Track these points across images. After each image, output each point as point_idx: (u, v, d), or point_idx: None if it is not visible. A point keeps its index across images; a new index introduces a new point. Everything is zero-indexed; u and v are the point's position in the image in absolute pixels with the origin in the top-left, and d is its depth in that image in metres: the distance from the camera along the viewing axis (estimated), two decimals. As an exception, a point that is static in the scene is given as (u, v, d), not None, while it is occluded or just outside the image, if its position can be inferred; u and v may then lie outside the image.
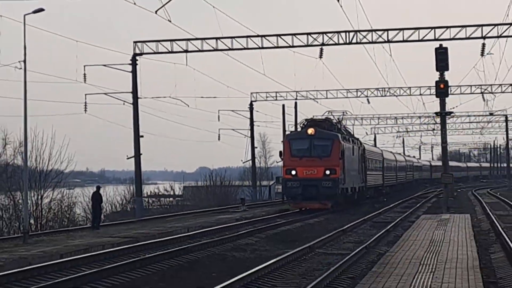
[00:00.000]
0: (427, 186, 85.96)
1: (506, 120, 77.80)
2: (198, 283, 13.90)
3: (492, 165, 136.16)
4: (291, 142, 35.76)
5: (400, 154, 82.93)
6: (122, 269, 14.53)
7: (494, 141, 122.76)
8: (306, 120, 39.68)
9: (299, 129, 41.83)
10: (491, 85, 51.90)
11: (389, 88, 54.78)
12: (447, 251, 17.37)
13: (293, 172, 34.22)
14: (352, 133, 49.23)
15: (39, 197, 35.34)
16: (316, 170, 33.81)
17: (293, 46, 34.40)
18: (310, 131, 34.78)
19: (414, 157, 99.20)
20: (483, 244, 21.47)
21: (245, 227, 26.01)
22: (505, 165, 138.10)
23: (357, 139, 46.61)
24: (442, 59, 31.32)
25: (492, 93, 54.29)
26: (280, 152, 36.37)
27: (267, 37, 33.90)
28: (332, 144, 34.71)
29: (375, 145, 76.89)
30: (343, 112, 45.67)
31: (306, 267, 16.00)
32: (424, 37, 33.23)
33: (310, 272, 15.42)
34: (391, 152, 73.64)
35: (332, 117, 43.22)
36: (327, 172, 33.69)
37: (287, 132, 50.37)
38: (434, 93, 35.99)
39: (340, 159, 34.76)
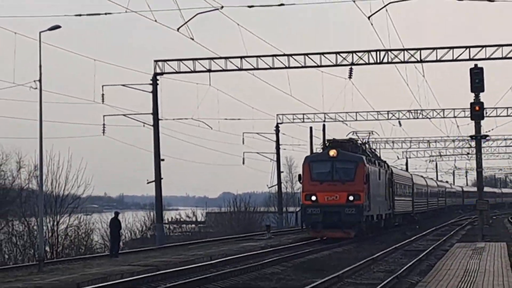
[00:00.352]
0: (460, 212, 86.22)
1: (545, 144, 77.41)
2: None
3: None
4: (311, 164, 33.95)
5: (431, 178, 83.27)
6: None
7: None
8: (328, 141, 38.87)
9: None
10: (528, 107, 51.89)
11: (422, 110, 55.14)
12: (483, 281, 17.20)
13: (313, 198, 32.76)
14: (378, 155, 48.68)
15: (55, 223, 35.67)
16: (338, 196, 32.36)
17: (321, 66, 34.75)
18: (332, 152, 33.18)
19: (446, 182, 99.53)
20: None
21: (271, 256, 26.20)
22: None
23: (384, 162, 45.44)
24: (477, 79, 31.33)
25: (529, 115, 54.37)
26: (299, 175, 34.69)
27: (294, 56, 34.29)
28: (356, 167, 33.20)
29: (406, 170, 77.10)
30: (369, 133, 43.46)
31: None
32: (458, 56, 33.32)
33: None
34: (421, 176, 73.24)
35: (357, 138, 41.27)
36: (351, 197, 32.21)
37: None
38: (469, 115, 35.91)
39: (365, 184, 33.42)
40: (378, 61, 34.13)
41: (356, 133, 41.77)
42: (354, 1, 27.78)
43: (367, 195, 33.80)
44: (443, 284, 16.40)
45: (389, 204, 41.92)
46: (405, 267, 22.23)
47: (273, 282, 18.96)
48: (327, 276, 18.59)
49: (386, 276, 20.32)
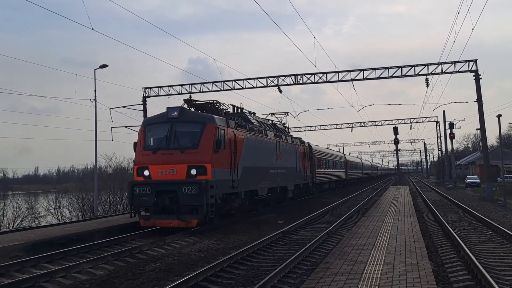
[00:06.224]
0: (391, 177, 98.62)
1: None
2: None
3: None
4: (147, 129, 15.92)
5: (369, 161, 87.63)
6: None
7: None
8: (184, 101, 17.64)
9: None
10: None
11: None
12: (400, 198, 25.32)
13: (146, 173, 15.13)
14: (287, 130, 27.66)
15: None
16: (176, 169, 14.72)
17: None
18: (172, 112, 15.38)
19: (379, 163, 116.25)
20: (414, 196, 30.65)
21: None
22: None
23: (299, 138, 27.78)
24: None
25: None
26: (135, 143, 15.90)
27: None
28: (203, 130, 14.90)
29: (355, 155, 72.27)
30: (286, 113, 27.28)
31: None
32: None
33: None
34: (356, 157, 68.58)
35: (275, 118, 25.83)
36: (192, 171, 14.53)
37: None
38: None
39: (216, 153, 14.78)
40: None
41: (273, 114, 26.65)
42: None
43: (233, 168, 15.91)
44: (387, 199, 24.82)
45: (305, 175, 27.03)
46: (364, 200, 26.59)
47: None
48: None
49: (358, 203, 25.13)
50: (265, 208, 20.93)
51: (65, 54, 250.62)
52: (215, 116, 15.26)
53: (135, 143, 15.44)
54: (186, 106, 16.74)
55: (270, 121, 23.75)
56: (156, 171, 14.53)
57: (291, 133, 28.75)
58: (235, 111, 19.19)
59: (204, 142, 14.44)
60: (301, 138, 28.17)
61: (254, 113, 21.01)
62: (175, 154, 14.41)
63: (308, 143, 30.31)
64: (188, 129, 14.96)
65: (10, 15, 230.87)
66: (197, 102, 17.19)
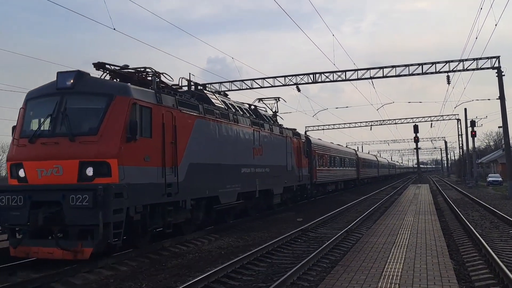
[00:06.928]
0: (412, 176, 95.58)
1: None
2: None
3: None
4: (29, 105, 9.53)
5: (384, 158, 77.85)
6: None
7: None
8: (93, 65, 10.27)
9: None
10: None
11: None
12: (420, 197, 25.49)
13: (21, 173, 8.90)
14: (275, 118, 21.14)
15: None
16: (62, 167, 8.46)
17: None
18: (66, 80, 9.05)
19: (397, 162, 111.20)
20: (434, 195, 30.28)
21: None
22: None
23: (292, 129, 21.50)
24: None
25: None
26: (13, 128, 9.58)
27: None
28: (109, 106, 8.77)
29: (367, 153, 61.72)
30: (276, 99, 21.78)
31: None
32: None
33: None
34: (373, 155, 62.35)
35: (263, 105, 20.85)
36: (88, 170, 8.42)
37: None
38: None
39: (132, 140, 8.81)
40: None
41: (261, 99, 21.41)
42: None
43: (170, 165, 10.20)
44: (407, 198, 24.79)
45: (300, 175, 21.40)
46: (385, 198, 27.00)
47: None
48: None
49: (376, 202, 24.60)
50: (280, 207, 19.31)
51: (87, 55, 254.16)
52: (132, 86, 9.59)
53: (13, 128, 9.70)
54: (109, 77, 10.62)
55: (253, 106, 18.12)
56: (33, 170, 8.84)
57: (296, 127, 23.68)
58: (192, 89, 13.93)
59: (108, 125, 8.77)
60: (295, 129, 22.15)
61: (225, 94, 16.26)
62: (62, 143, 8.75)
63: (306, 135, 25.28)
64: (85, 105, 9.20)
65: (35, 18, 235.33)
66: (120, 70, 10.83)
